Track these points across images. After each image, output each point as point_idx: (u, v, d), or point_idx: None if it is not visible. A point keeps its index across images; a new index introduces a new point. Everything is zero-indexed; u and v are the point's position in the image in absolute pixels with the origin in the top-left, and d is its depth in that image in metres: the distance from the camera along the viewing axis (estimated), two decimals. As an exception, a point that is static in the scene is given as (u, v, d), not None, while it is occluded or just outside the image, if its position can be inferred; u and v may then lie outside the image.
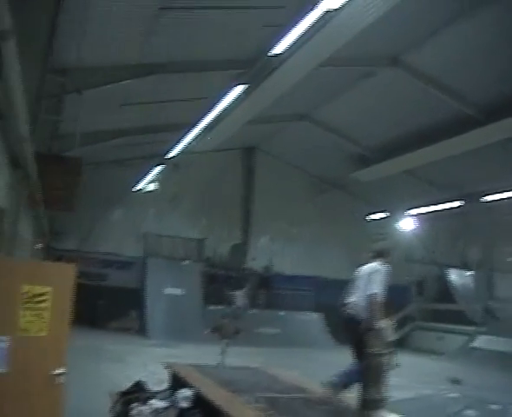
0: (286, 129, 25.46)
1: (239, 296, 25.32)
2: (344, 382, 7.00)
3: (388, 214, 27.81)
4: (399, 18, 13.48)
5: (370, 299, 6.71)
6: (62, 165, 9.23)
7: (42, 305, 5.56)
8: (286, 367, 14.46)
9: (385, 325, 6.74)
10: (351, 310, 6.91)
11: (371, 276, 6.94)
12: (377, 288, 6.77)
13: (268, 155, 29.92)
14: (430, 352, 27.16)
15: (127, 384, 8.15)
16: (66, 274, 6.61)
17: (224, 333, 15.31)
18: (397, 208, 26.23)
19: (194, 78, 15.61)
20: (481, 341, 25.90)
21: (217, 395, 6.31)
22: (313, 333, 27.68)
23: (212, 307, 26.95)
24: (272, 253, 30.81)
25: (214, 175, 29.44)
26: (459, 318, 27.59)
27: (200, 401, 6.48)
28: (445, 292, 31.95)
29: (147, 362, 16.76)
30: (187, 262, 27.59)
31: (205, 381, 7.29)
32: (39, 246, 19.66)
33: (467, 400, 10.49)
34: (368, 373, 6.50)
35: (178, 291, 24.66)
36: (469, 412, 10.19)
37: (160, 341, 21.75)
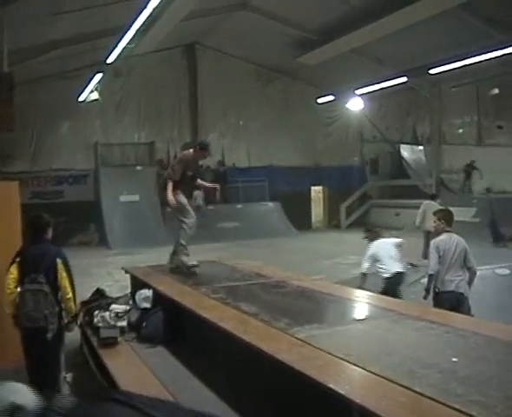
0: (226, 20, 24.73)
1: (198, 196, 24.92)
2: None
3: (338, 96, 27.70)
4: None
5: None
6: (-9, 83, 8.81)
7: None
8: (248, 257, 14.79)
9: None
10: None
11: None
12: None
13: (210, 49, 29.12)
14: (389, 228, 27.84)
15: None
16: (8, 193, 6.51)
17: None
18: (346, 89, 26.11)
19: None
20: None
21: (175, 291, 6.41)
22: (272, 222, 28.07)
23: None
24: (223, 148, 30.64)
25: (158, 76, 28.66)
26: (414, 193, 28.11)
27: (160, 300, 6.57)
28: (399, 168, 32.55)
29: (111, 272, 16.90)
30: (139, 168, 27.29)
31: (163, 280, 7.38)
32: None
33: (424, 270, 10.90)
34: None
35: (134, 197, 24.40)
36: (425, 279, 10.59)
37: (122, 250, 21.69)
